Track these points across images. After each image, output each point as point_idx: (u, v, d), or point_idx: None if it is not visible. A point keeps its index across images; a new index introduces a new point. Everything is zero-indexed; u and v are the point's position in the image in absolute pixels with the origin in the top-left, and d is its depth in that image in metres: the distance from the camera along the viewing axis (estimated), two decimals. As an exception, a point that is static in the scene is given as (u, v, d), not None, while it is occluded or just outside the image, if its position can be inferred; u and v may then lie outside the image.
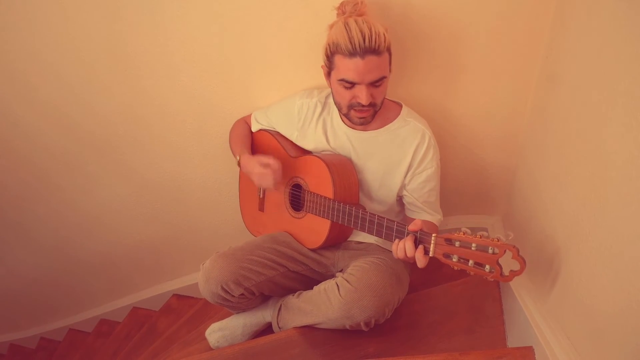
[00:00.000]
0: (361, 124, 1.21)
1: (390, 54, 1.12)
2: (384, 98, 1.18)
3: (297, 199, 1.37)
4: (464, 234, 0.97)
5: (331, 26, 1.13)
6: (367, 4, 1.12)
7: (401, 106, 1.28)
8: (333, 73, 1.14)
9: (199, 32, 1.32)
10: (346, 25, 1.06)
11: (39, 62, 1.42)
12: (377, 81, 1.10)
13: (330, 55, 1.12)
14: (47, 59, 1.41)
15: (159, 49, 1.36)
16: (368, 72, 1.07)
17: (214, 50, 1.35)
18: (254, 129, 1.47)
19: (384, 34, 1.07)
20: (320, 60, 1.20)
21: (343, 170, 1.25)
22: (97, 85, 1.47)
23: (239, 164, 1.36)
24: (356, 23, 1.05)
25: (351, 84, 1.11)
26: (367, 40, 1.04)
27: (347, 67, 1.08)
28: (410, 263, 1.41)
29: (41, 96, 1.52)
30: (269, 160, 1.25)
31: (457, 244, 0.98)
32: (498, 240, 0.92)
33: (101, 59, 1.40)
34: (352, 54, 1.06)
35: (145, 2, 1.27)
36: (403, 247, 1.04)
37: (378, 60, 1.07)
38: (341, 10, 1.13)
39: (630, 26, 0.74)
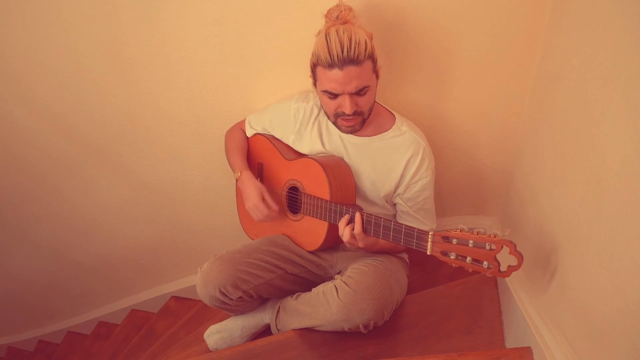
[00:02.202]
0: (349, 133, 1.22)
1: (373, 61, 1.11)
2: (373, 105, 1.18)
3: (294, 201, 1.37)
4: (460, 231, 0.98)
5: (318, 34, 1.13)
6: (353, 10, 1.11)
7: (395, 116, 1.28)
8: (317, 84, 1.15)
9: (197, 33, 1.32)
10: (327, 35, 1.06)
11: (36, 65, 1.42)
12: (359, 91, 1.10)
13: (313, 67, 1.13)
14: (45, 61, 1.41)
15: (156, 51, 1.36)
16: (348, 82, 1.07)
17: (211, 52, 1.35)
18: (248, 134, 1.47)
19: (365, 42, 1.06)
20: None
21: (339, 172, 1.25)
22: (95, 87, 1.46)
23: (237, 179, 1.37)
24: (337, 33, 1.04)
25: (334, 95, 1.11)
26: (345, 51, 1.03)
27: (328, 78, 1.08)
28: (408, 263, 1.42)
29: (39, 98, 1.51)
30: (273, 204, 1.31)
31: (454, 241, 0.98)
32: (495, 237, 0.93)
33: (99, 61, 1.40)
34: (330, 65, 1.06)
35: (143, 5, 1.27)
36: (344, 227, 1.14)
37: (358, 70, 1.06)
38: (328, 17, 1.12)
39: (626, 27, 0.74)
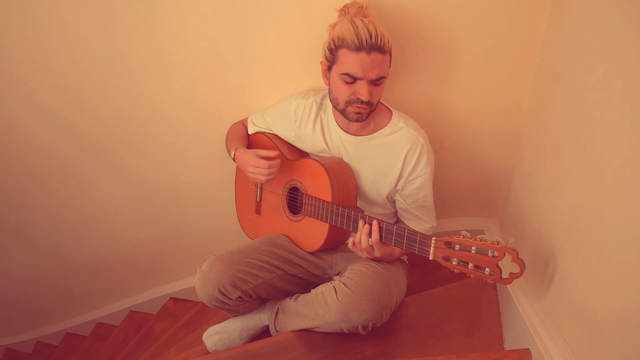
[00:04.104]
0: (356, 121, 1.20)
1: (391, 57, 1.13)
2: (380, 98, 1.19)
3: (294, 202, 1.37)
4: (463, 237, 0.98)
5: (333, 26, 1.14)
6: (370, 8, 1.14)
7: (392, 112, 1.28)
8: (335, 67, 1.14)
9: (195, 35, 1.32)
10: (352, 22, 1.08)
11: (35, 66, 1.42)
12: (378, 79, 1.11)
13: (334, 49, 1.12)
14: (44, 62, 1.41)
15: (155, 52, 1.36)
16: (372, 68, 1.09)
17: (210, 53, 1.35)
18: (250, 132, 1.46)
19: (387, 37, 1.09)
20: (317, 62, 1.21)
21: (341, 174, 1.25)
22: (94, 88, 1.46)
23: (234, 158, 1.36)
24: (362, 22, 1.07)
25: (353, 79, 1.11)
26: (373, 38, 1.06)
27: (352, 61, 1.08)
28: (407, 265, 1.42)
29: (38, 99, 1.51)
30: (269, 152, 1.24)
31: (457, 247, 0.99)
32: (497, 244, 0.93)
33: (98, 63, 1.40)
34: (358, 48, 1.07)
35: (142, 7, 1.27)
36: (367, 233, 1.12)
37: (382, 58, 1.09)
38: (344, 11, 1.14)
39: (625, 28, 0.75)
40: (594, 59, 0.86)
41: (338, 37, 1.10)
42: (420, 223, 1.31)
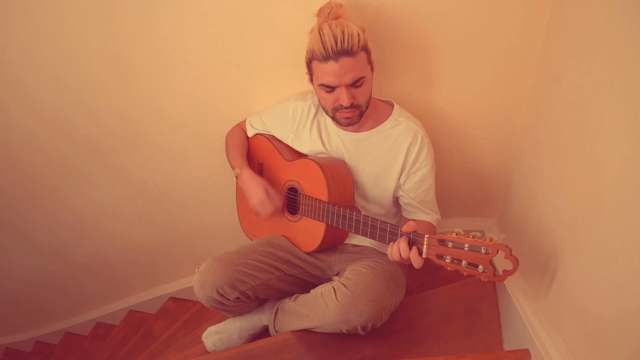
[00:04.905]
0: (348, 125, 1.20)
1: (367, 53, 1.12)
2: (370, 98, 1.18)
3: (293, 202, 1.37)
4: (456, 235, 0.97)
5: (311, 32, 1.14)
6: (344, 6, 1.13)
7: (393, 106, 1.28)
8: (314, 79, 1.15)
9: (195, 35, 1.32)
10: (320, 31, 1.07)
11: (35, 65, 1.42)
12: (355, 82, 1.11)
13: (308, 63, 1.14)
14: (44, 62, 1.41)
15: (155, 52, 1.36)
16: (344, 73, 1.08)
17: (210, 53, 1.35)
18: (249, 134, 1.47)
19: (358, 34, 1.07)
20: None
21: (337, 173, 1.25)
22: (94, 88, 1.46)
23: (237, 176, 1.37)
24: (329, 27, 1.06)
25: (331, 88, 1.11)
26: (339, 43, 1.04)
27: (324, 71, 1.09)
28: (407, 265, 1.42)
29: (38, 99, 1.51)
30: (277, 200, 1.32)
31: (450, 244, 0.98)
32: (490, 241, 0.93)
33: (98, 62, 1.40)
34: (325, 58, 1.07)
35: (142, 7, 1.27)
36: (397, 249, 1.05)
37: (353, 61, 1.07)
38: (320, 15, 1.14)
39: (625, 29, 0.75)
40: (594, 59, 0.86)
41: (309, 50, 1.11)
42: (425, 217, 1.30)
